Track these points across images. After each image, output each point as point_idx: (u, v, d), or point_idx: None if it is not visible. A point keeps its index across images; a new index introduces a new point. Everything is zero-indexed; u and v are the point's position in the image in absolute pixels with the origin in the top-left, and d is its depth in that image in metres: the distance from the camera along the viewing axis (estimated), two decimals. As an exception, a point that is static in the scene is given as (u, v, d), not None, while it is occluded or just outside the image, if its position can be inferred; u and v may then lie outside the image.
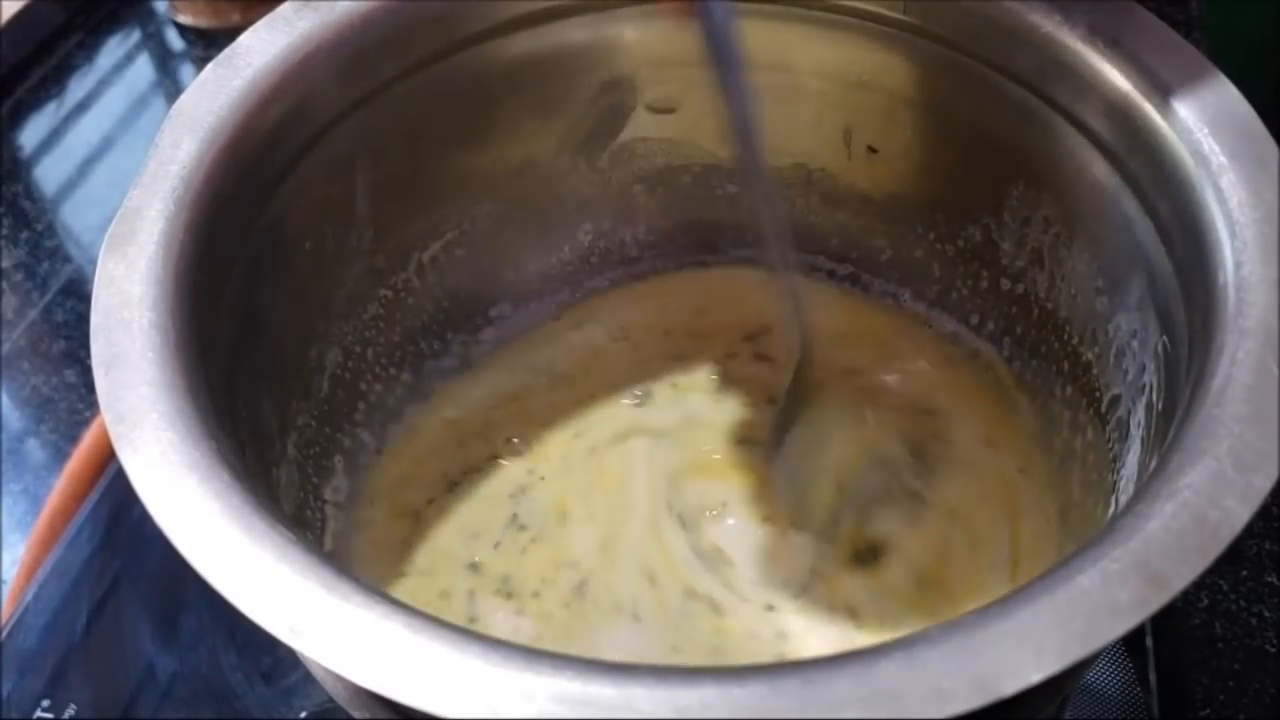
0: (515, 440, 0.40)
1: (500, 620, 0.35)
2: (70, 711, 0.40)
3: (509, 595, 0.36)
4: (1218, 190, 0.28)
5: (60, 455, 0.50)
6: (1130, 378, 0.32)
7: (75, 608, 0.43)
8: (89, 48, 0.70)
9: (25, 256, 0.60)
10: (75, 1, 0.71)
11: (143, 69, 0.70)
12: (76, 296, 0.58)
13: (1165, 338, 0.30)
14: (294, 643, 0.22)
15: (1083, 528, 0.35)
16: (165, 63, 0.71)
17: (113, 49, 0.71)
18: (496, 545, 0.37)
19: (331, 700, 0.29)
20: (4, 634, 0.42)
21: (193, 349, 0.27)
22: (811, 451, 0.38)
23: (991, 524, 0.37)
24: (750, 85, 0.30)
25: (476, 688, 0.21)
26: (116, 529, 0.45)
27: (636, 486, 0.38)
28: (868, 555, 0.36)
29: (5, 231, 0.61)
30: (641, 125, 0.40)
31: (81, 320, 0.56)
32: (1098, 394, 0.35)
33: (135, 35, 0.72)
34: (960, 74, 0.35)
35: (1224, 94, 0.30)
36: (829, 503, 0.37)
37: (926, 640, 0.21)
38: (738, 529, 0.37)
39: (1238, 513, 0.23)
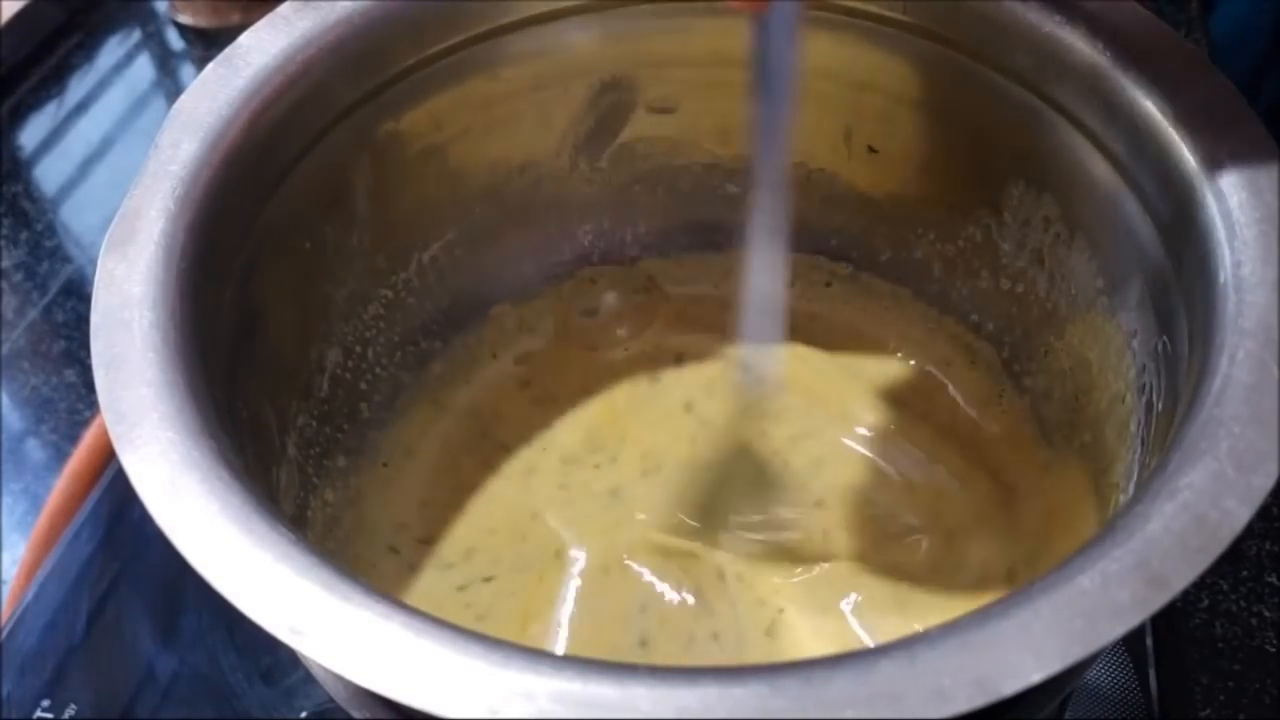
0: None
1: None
2: (70, 711, 0.40)
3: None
4: (1218, 190, 0.28)
5: (60, 455, 0.51)
6: (1130, 378, 0.32)
7: (75, 608, 0.43)
8: (89, 48, 0.71)
9: (25, 256, 0.60)
10: (75, 1, 0.71)
11: (143, 69, 0.70)
12: (76, 296, 0.58)
13: (1165, 338, 0.30)
14: (294, 643, 0.22)
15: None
16: (165, 63, 0.71)
17: (113, 49, 0.71)
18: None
19: (331, 700, 0.29)
20: (4, 634, 0.42)
21: (193, 349, 0.27)
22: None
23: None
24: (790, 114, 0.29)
25: (476, 688, 0.21)
26: (116, 529, 0.45)
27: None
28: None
29: (5, 231, 0.61)
30: (641, 125, 0.40)
31: (81, 320, 0.56)
32: (1097, 394, 0.35)
33: (135, 35, 0.72)
34: (960, 74, 0.35)
35: (1224, 94, 0.30)
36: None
37: (926, 640, 0.21)
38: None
39: (1238, 513, 0.23)
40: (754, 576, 0.35)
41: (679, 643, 0.34)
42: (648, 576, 0.35)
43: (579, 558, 0.36)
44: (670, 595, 0.35)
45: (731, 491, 0.38)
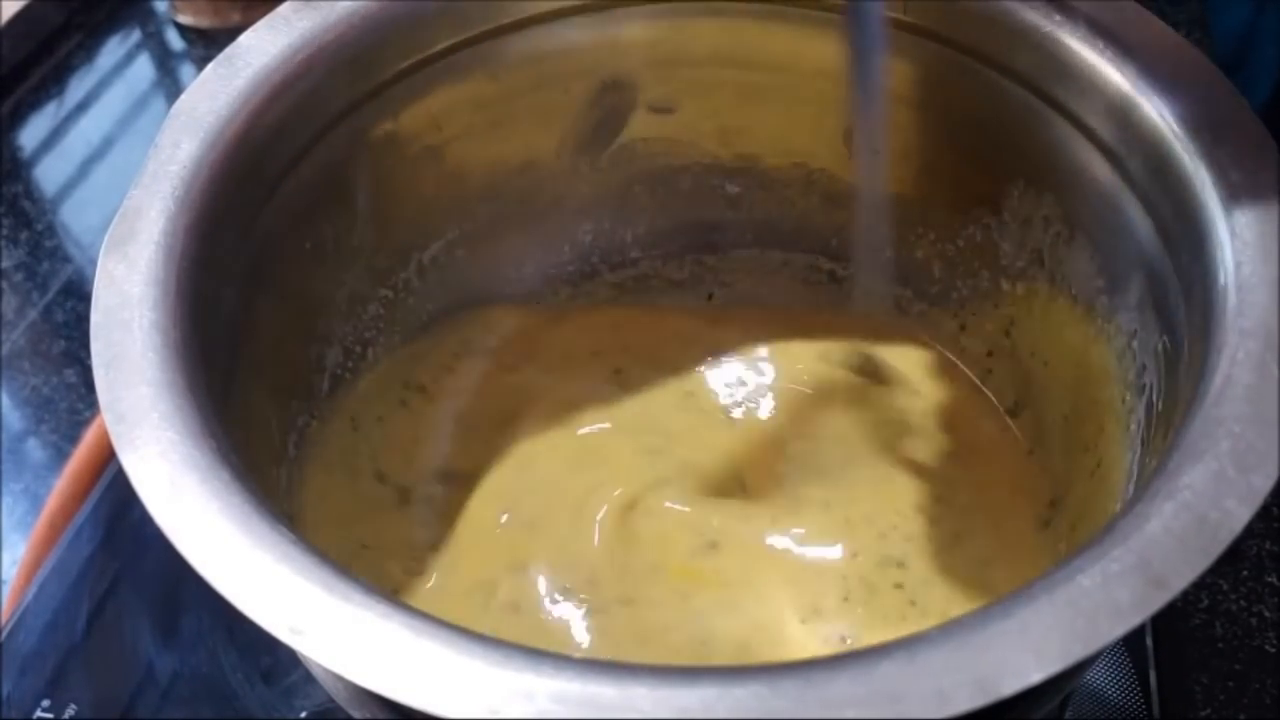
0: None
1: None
2: (70, 711, 0.40)
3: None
4: (1218, 190, 0.28)
5: (60, 455, 0.51)
6: (1130, 378, 0.32)
7: (75, 608, 0.43)
8: (89, 48, 0.71)
9: (25, 256, 0.60)
10: (75, 1, 0.72)
11: (143, 69, 0.70)
12: (76, 296, 0.58)
13: (1165, 338, 0.30)
14: (294, 643, 0.22)
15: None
16: (165, 63, 0.71)
17: (113, 49, 0.71)
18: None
19: (331, 700, 0.29)
20: (4, 634, 0.42)
21: (193, 349, 0.27)
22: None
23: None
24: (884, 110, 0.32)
25: (476, 688, 0.21)
26: (116, 529, 0.45)
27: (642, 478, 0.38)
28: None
29: (5, 231, 0.61)
30: (641, 125, 0.40)
31: (81, 320, 0.56)
32: (1097, 394, 0.35)
33: (135, 35, 0.72)
34: (960, 74, 0.35)
35: (1224, 94, 0.30)
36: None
37: (926, 640, 0.21)
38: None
39: (1238, 513, 0.23)
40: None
41: None
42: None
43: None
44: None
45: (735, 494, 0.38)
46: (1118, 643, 0.36)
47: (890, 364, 0.40)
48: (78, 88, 0.68)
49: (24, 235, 0.61)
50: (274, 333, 0.33)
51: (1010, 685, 0.20)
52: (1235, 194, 0.28)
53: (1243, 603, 0.42)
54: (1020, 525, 0.36)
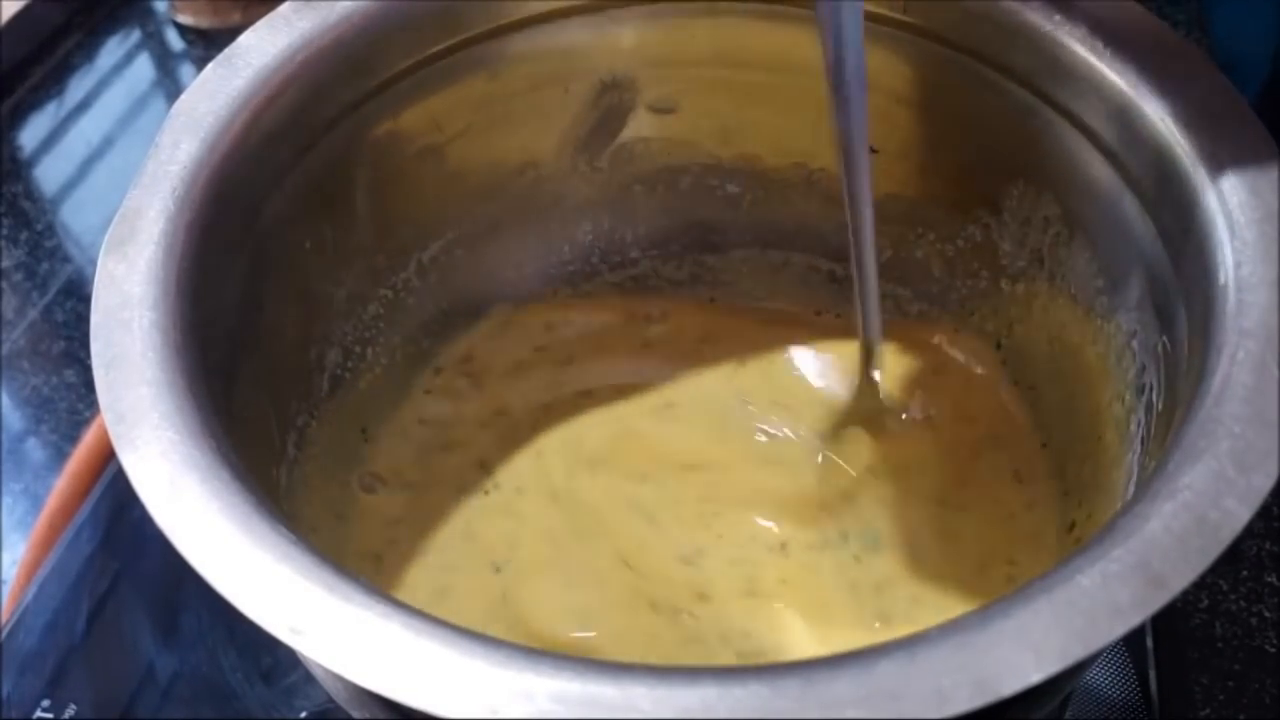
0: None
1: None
2: (70, 711, 0.40)
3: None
4: (1218, 190, 0.28)
5: (60, 455, 0.51)
6: (1130, 378, 0.33)
7: (75, 608, 0.43)
8: (89, 48, 0.71)
9: (25, 256, 0.60)
10: (75, 1, 0.72)
11: (143, 69, 0.70)
12: (76, 296, 0.58)
13: (1165, 338, 0.30)
14: (294, 643, 0.22)
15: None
16: (165, 63, 0.71)
17: (113, 49, 0.71)
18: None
19: (331, 700, 0.29)
20: (4, 634, 0.42)
21: (193, 349, 0.27)
22: None
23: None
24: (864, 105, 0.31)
25: (476, 688, 0.21)
26: (116, 529, 0.45)
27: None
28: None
29: (5, 231, 0.61)
30: (641, 125, 0.40)
31: (81, 320, 0.56)
32: (1096, 394, 0.35)
33: (135, 35, 0.72)
34: (960, 74, 0.35)
35: (1224, 94, 0.30)
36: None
37: (926, 640, 0.21)
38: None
39: (1238, 513, 0.23)
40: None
41: None
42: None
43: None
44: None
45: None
46: (1118, 643, 0.36)
47: (889, 363, 0.41)
48: (78, 88, 0.68)
49: (24, 235, 0.61)
50: (274, 332, 0.33)
51: (1010, 685, 0.20)
52: (1234, 193, 0.28)
53: (1243, 603, 0.43)
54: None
